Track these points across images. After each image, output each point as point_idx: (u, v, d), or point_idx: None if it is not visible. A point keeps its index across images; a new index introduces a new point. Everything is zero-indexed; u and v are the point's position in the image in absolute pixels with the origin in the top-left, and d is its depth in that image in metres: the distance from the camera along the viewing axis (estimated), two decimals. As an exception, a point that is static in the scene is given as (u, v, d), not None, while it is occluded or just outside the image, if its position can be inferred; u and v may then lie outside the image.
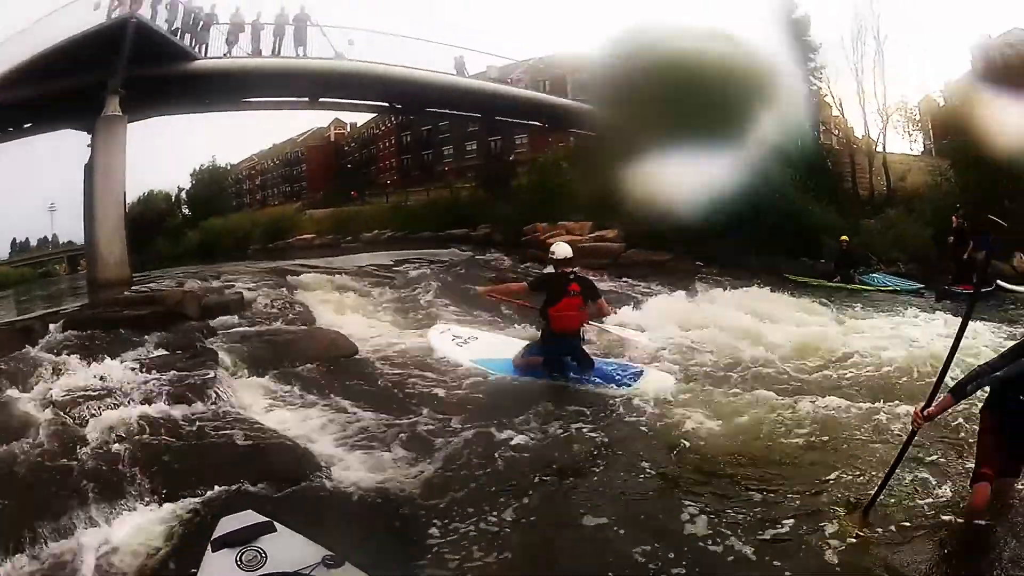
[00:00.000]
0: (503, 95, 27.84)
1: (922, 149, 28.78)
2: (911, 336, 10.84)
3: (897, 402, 7.30)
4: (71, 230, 31.73)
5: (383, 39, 24.27)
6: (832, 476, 5.80)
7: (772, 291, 14.88)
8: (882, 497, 5.13)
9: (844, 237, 18.95)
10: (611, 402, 8.13)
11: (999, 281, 17.26)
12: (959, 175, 21.37)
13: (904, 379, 8.68)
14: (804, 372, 9.30)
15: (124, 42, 18.66)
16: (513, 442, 6.82)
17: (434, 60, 25.40)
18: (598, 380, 8.88)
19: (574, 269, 9.28)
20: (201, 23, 21.95)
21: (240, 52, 22.78)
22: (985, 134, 19.58)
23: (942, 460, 5.96)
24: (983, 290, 16.17)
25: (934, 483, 5.51)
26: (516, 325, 12.20)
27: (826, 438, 6.64)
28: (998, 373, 4.84)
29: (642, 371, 9.04)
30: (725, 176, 17.15)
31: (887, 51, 25.44)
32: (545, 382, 9.00)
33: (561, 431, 7.19)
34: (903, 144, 28.61)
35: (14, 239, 39.79)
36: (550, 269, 9.50)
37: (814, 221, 21.01)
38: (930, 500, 5.29)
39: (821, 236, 20.52)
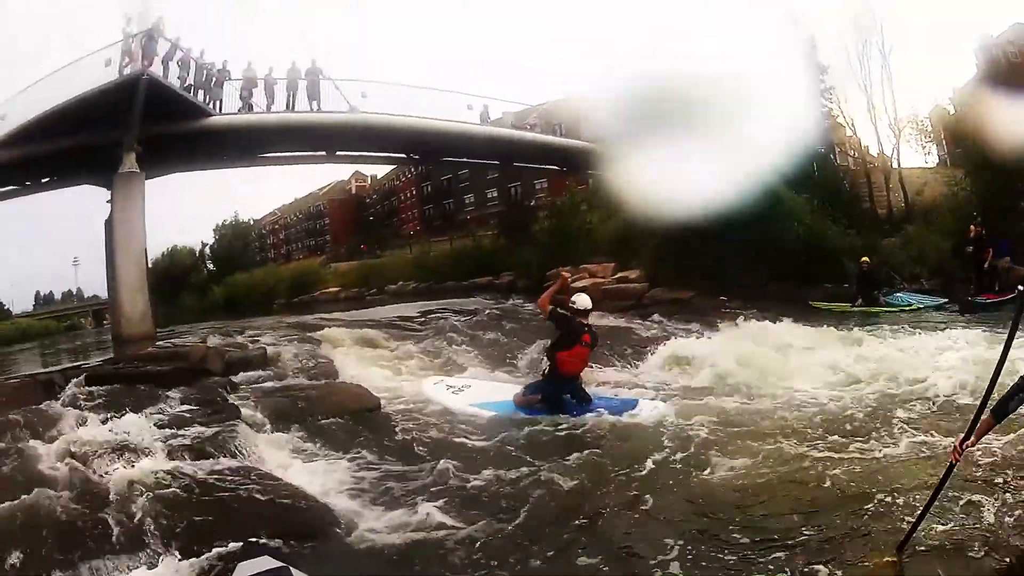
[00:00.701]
0: (519, 141, 27.91)
1: (936, 160, 28.89)
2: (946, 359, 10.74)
3: (932, 434, 7.42)
4: (96, 284, 32.09)
5: (396, 90, 24.61)
6: (868, 512, 5.68)
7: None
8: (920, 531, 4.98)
9: (864, 259, 18.82)
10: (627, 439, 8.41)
11: (1020, 287, 16.99)
12: (974, 182, 21.21)
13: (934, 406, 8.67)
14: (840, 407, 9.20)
15: (136, 99, 18.83)
16: (534, 492, 6.80)
17: (449, 109, 25.48)
18: (596, 412, 9.40)
19: (590, 324, 9.89)
20: (214, 79, 22.15)
21: (254, 108, 23.04)
22: (996, 136, 19.52)
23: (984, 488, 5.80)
24: (1006, 298, 16.03)
25: (979, 511, 5.39)
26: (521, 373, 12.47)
27: (863, 474, 6.56)
28: None
29: (636, 401, 9.62)
30: (744, 208, 17.14)
31: (893, 64, 25.95)
32: (553, 423, 9.27)
33: (585, 477, 7.16)
34: (918, 158, 28.86)
35: (38, 292, 40.48)
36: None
37: (834, 245, 20.92)
38: (972, 531, 5.14)
39: (843, 260, 20.34)
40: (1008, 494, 5.65)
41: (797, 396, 9.91)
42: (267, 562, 4.41)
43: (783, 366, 11.53)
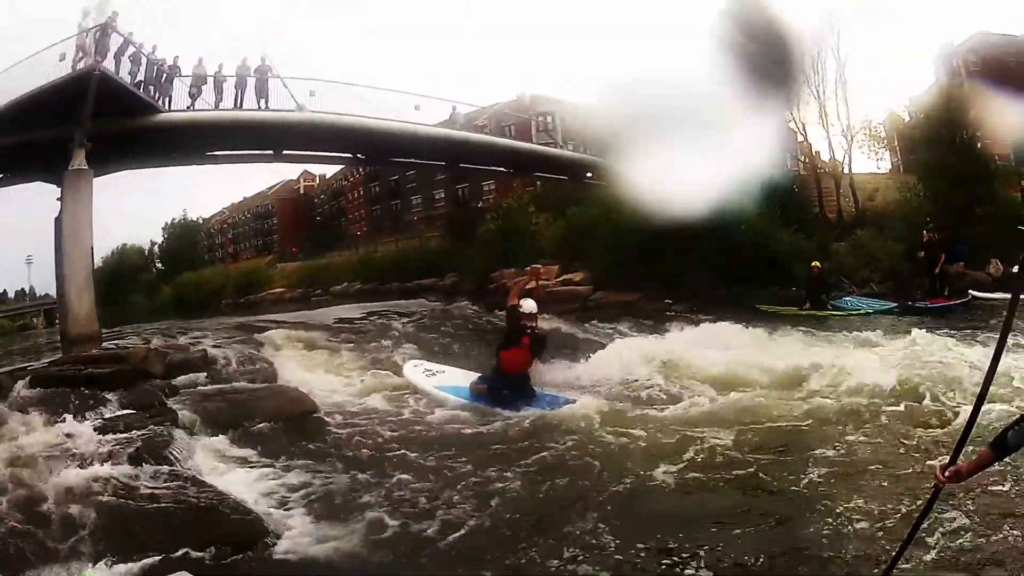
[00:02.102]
0: (468, 142, 27.77)
1: (890, 167, 29.48)
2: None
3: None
4: (49, 283, 31.75)
5: (344, 89, 24.51)
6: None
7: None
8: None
9: (815, 263, 19.16)
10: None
11: (972, 292, 17.62)
12: (928, 188, 21.80)
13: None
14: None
15: (88, 94, 18.65)
16: (465, 500, 6.96)
17: (398, 109, 25.33)
18: (536, 407, 9.95)
19: (534, 325, 10.51)
20: (164, 76, 21.90)
21: (203, 105, 22.75)
22: (952, 141, 20.16)
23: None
24: (957, 302, 16.62)
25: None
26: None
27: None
28: None
29: (575, 400, 10.06)
30: (693, 211, 17.45)
31: (848, 72, 26.66)
32: (501, 426, 9.54)
33: (519, 485, 7.33)
34: (870, 164, 29.45)
35: (-7, 290, 39.78)
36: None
37: (783, 249, 21.32)
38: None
39: (792, 264, 20.76)
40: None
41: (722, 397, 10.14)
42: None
43: (712, 367, 11.74)
